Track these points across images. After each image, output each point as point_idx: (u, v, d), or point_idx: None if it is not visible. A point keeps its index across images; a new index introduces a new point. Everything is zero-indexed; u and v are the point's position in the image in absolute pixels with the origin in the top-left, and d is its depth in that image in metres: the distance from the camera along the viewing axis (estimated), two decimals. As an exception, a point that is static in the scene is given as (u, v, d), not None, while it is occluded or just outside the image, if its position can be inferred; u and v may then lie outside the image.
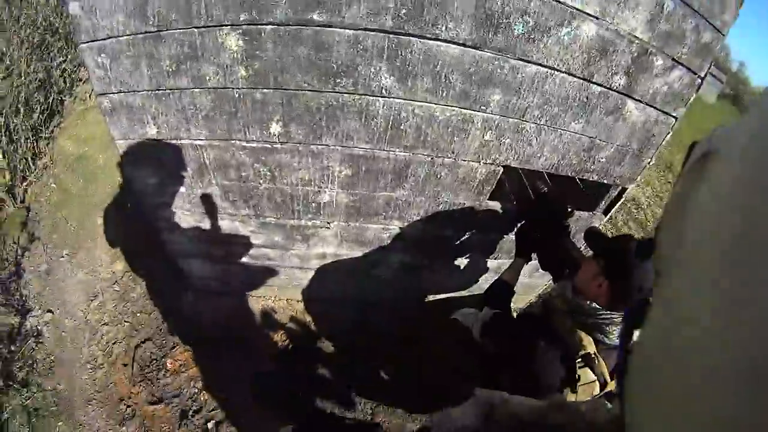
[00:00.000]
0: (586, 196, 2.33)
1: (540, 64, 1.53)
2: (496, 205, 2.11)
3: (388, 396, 2.56)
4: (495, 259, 2.58)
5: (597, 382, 1.54)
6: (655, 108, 1.81)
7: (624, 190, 2.19)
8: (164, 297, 2.67)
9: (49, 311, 2.46)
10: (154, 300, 2.64)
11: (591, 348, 1.55)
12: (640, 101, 1.76)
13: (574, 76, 1.59)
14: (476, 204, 2.04)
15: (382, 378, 2.62)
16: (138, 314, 2.57)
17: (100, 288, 2.62)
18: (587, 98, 1.67)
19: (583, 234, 1.78)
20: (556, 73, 1.56)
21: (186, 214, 1.96)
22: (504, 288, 1.98)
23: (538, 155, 1.84)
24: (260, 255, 2.27)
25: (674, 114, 1.87)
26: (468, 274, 2.72)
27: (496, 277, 2.07)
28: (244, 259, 2.29)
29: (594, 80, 1.62)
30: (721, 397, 0.27)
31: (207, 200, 1.88)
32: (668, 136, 1.96)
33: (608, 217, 2.37)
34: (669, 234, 0.46)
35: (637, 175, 2.09)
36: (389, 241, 2.22)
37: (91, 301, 2.56)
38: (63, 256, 2.67)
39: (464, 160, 1.80)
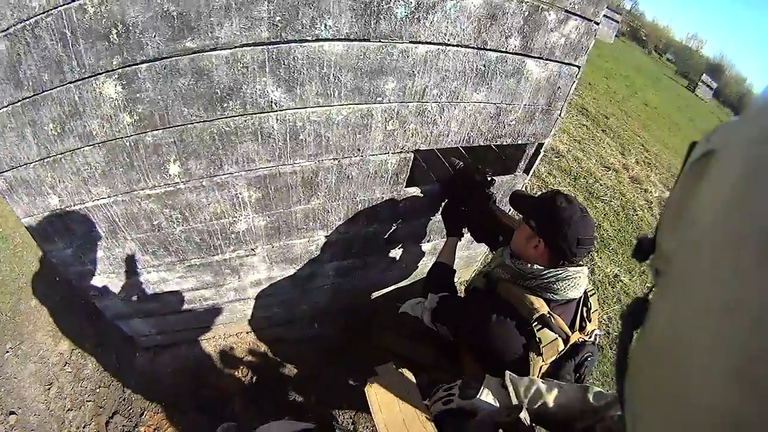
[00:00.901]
0: (504, 160, 2.36)
1: (430, 43, 1.51)
2: (415, 191, 2.10)
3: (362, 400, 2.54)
4: (428, 242, 2.58)
5: (559, 339, 1.56)
6: (556, 62, 1.84)
7: (541, 145, 2.21)
8: (118, 364, 2.54)
9: (12, 413, 2.31)
10: (109, 371, 2.51)
11: (543, 308, 1.57)
12: (540, 58, 1.78)
13: (468, 47, 1.59)
14: (395, 194, 2.02)
15: (350, 385, 2.60)
16: (98, 390, 2.44)
17: (53, 374, 2.47)
18: (485, 66, 1.67)
19: (508, 199, 1.80)
20: (448, 48, 1.55)
21: (111, 277, 1.85)
22: (443, 270, 1.99)
23: (446, 133, 1.83)
24: (196, 298, 2.18)
25: (576, 63, 1.91)
26: (405, 263, 2.72)
27: (433, 259, 2.07)
28: (181, 307, 2.20)
29: (489, 47, 1.62)
30: (722, 397, 0.27)
31: (127, 258, 1.79)
32: (574, 85, 2.00)
33: (531, 174, 2.39)
34: (669, 233, 0.46)
35: (551, 129, 2.12)
36: (318, 252, 2.18)
37: (48, 390, 2.42)
38: (8, 351, 2.51)
39: (372, 155, 1.77)
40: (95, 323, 2.50)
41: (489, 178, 2.05)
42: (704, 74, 33.53)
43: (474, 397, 1.33)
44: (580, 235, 1.55)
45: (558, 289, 1.60)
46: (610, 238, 4.89)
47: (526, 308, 1.60)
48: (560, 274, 1.60)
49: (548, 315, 1.58)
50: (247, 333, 2.76)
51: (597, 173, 5.81)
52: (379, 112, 1.62)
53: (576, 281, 1.61)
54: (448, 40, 1.53)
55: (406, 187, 2.03)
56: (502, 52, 1.67)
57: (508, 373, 1.34)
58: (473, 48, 1.60)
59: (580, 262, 1.66)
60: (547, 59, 1.80)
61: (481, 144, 1.97)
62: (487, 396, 1.33)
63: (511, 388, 1.28)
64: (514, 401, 1.26)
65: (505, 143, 2.05)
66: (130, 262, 1.81)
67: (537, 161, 2.34)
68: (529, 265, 1.66)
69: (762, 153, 0.31)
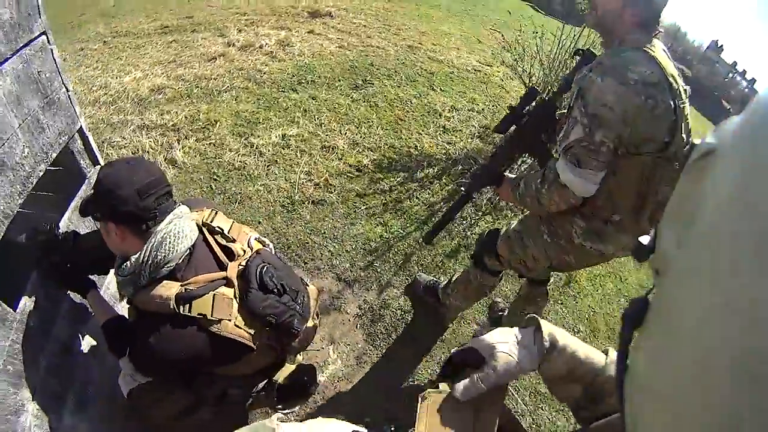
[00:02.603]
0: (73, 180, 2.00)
1: None
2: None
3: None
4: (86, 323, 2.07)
5: (217, 291, 1.53)
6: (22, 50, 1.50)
7: (81, 131, 1.92)
8: None
9: None
10: None
11: (172, 289, 1.49)
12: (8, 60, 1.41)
13: None
14: None
15: None
16: None
17: None
18: None
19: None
20: None
21: None
22: (111, 326, 1.72)
23: None
24: None
25: (35, 34, 1.57)
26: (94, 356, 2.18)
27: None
28: None
29: None
30: (721, 396, 0.28)
31: None
32: (55, 54, 1.71)
33: (100, 161, 2.09)
34: (668, 233, 0.45)
35: (74, 113, 1.84)
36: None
37: None
38: None
39: None
40: None
41: (48, 228, 1.70)
42: None
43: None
44: (136, 186, 1.39)
45: (165, 256, 1.46)
46: (253, 113, 4.74)
47: (160, 304, 1.45)
48: (153, 243, 1.45)
49: (182, 289, 1.47)
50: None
51: (205, 73, 5.40)
52: None
53: (175, 235, 1.48)
54: None
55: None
56: None
57: (543, 322, 1.11)
58: None
59: (170, 209, 1.51)
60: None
61: (21, 201, 1.55)
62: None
63: (546, 336, 1.06)
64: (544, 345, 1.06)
65: (45, 170, 1.67)
66: None
67: (94, 145, 2.03)
68: (128, 263, 1.47)
69: (763, 153, 0.31)
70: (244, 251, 1.68)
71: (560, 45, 4.67)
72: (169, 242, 1.46)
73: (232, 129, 4.48)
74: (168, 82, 5.19)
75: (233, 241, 1.68)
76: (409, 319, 3.07)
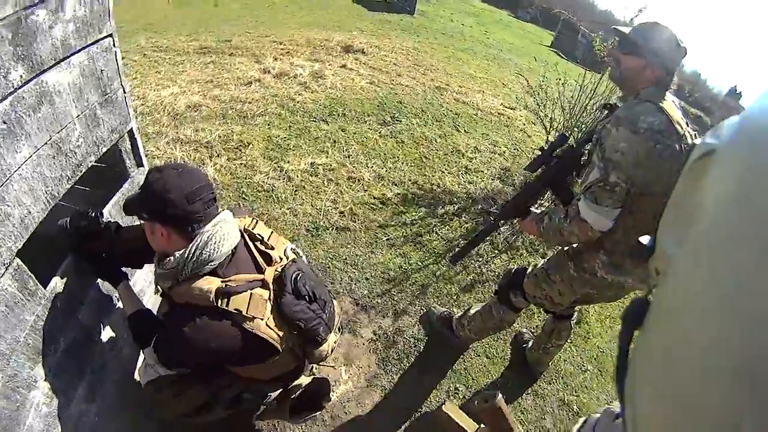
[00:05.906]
0: (114, 173, 2.10)
1: None
2: (56, 283, 1.70)
3: None
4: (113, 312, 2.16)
5: (254, 291, 1.62)
6: (79, 52, 1.58)
7: (131, 132, 2.06)
8: None
9: None
10: None
11: (213, 283, 1.59)
12: (59, 62, 1.48)
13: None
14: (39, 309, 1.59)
15: None
16: None
17: None
18: (5, 122, 1.29)
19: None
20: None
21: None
22: (137, 318, 1.80)
23: (26, 212, 1.44)
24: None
25: (104, 34, 1.71)
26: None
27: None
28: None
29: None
30: (721, 396, 0.28)
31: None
32: (118, 54, 1.84)
33: (144, 162, 2.20)
34: (669, 233, 0.46)
35: (127, 111, 1.98)
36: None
37: None
38: None
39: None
40: None
41: (92, 215, 1.78)
42: None
43: None
44: (185, 191, 1.49)
45: (210, 255, 1.55)
46: (284, 139, 4.90)
47: (200, 297, 1.54)
48: (198, 242, 1.54)
49: (222, 284, 1.55)
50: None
51: (240, 96, 5.60)
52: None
53: (220, 235, 1.57)
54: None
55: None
56: (10, 94, 1.32)
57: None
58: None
59: (214, 213, 1.61)
60: (66, 58, 1.52)
61: (69, 186, 1.66)
62: None
63: None
64: None
65: (93, 163, 1.79)
66: None
67: (141, 148, 2.15)
68: (172, 258, 1.56)
69: (763, 152, 0.31)
70: (281, 258, 1.77)
71: (581, 91, 4.85)
72: (215, 242, 1.55)
73: (264, 152, 4.64)
74: (204, 101, 5.37)
75: (272, 248, 1.78)
76: (422, 347, 3.15)
